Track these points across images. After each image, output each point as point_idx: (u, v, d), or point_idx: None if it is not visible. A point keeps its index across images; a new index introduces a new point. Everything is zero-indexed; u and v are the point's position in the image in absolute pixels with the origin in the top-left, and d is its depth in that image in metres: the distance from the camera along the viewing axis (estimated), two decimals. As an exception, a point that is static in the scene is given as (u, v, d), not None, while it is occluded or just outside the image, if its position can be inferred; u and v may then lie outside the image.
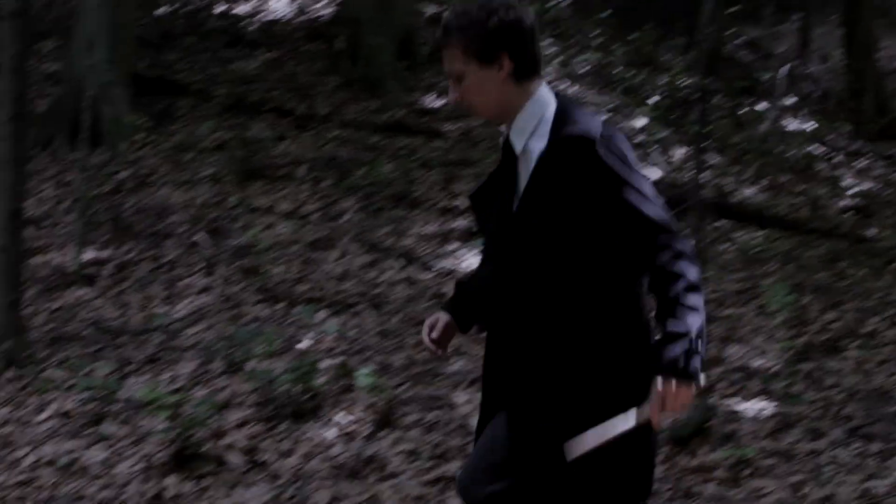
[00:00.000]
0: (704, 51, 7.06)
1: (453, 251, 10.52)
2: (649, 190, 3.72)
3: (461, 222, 11.12)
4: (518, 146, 3.81)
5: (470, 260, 10.42)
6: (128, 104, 12.95)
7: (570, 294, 3.78)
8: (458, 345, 8.68)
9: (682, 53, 20.45)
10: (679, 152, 13.78)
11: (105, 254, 10.30)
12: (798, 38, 26.69)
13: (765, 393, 7.90)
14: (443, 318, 4.07)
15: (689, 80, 18.55)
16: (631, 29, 21.26)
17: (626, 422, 3.69)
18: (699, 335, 3.59)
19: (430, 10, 17.52)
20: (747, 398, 7.80)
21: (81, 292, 9.64)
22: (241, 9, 16.48)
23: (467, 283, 4.18)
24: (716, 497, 6.60)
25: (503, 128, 3.90)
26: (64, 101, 12.84)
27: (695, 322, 3.58)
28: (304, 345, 8.48)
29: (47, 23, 15.39)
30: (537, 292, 3.80)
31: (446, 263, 10.31)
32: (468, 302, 4.09)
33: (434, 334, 4.04)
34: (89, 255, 10.19)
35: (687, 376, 3.55)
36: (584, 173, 3.67)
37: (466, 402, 7.70)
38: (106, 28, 12.78)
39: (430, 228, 10.98)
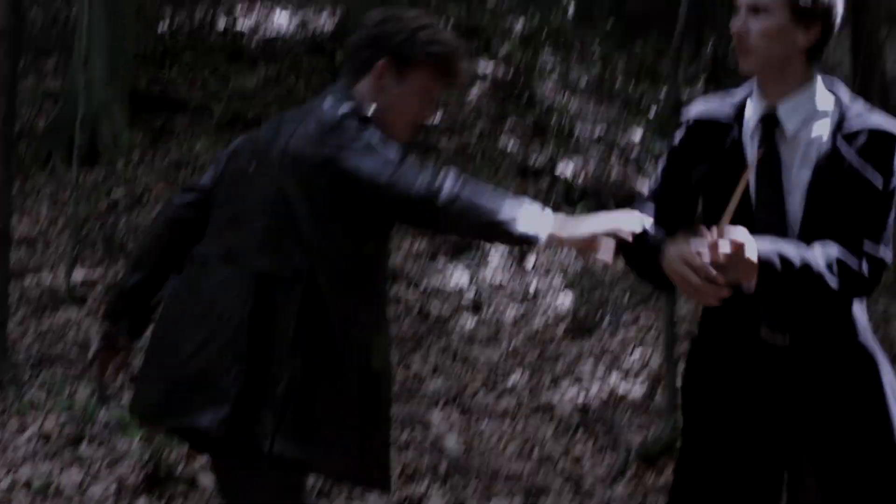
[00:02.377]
0: (673, 68, 7.01)
1: (440, 268, 10.59)
2: None
3: (450, 238, 11.18)
4: (790, 126, 3.69)
5: (458, 277, 10.50)
6: (126, 121, 13.04)
7: None
8: (436, 364, 8.81)
9: (688, 65, 20.50)
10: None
11: (96, 274, 10.39)
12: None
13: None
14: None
15: (691, 92, 18.67)
16: (635, 40, 21.34)
17: None
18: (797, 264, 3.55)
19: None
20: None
21: (70, 313, 9.72)
22: (242, 24, 16.55)
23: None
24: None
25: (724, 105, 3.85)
26: (62, 119, 12.90)
27: (805, 257, 3.56)
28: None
29: (49, 40, 15.51)
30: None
31: (433, 281, 10.39)
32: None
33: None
34: (80, 275, 10.28)
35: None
36: (882, 167, 3.63)
37: (442, 421, 7.79)
38: (104, 45, 12.86)
39: (419, 245, 11.05)
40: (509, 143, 14.15)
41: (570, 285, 10.62)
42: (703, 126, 3.88)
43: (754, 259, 3.45)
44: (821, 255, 3.57)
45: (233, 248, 3.97)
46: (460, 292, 10.24)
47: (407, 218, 3.92)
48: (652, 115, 16.64)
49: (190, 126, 13.44)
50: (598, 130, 15.12)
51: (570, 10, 20.24)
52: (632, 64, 19.46)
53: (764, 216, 3.67)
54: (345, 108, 3.91)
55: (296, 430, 3.82)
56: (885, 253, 3.67)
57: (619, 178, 13.83)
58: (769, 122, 3.71)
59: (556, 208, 11.99)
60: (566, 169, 13.73)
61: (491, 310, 9.99)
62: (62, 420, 7.78)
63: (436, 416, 7.91)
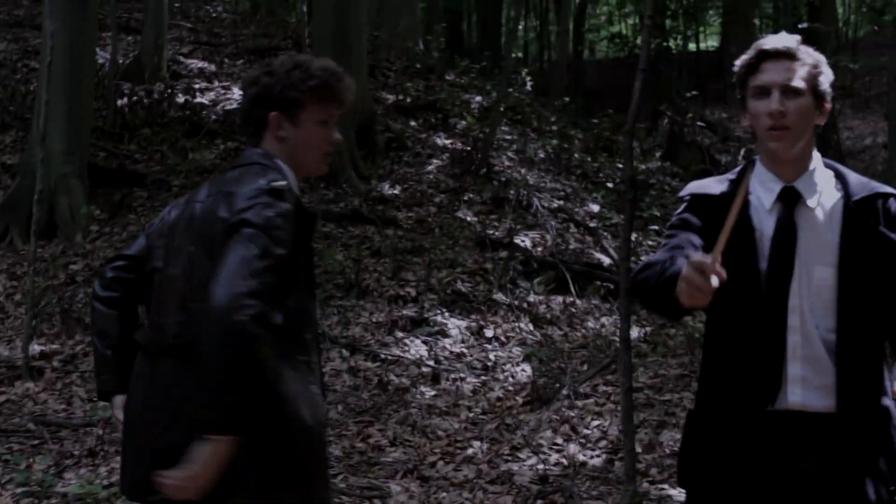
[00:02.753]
0: (628, 143, 7.07)
1: (400, 339, 10.62)
2: None
3: (409, 311, 11.23)
4: (812, 200, 3.78)
5: (417, 348, 10.54)
6: (84, 195, 13.07)
7: (875, 345, 3.80)
8: (396, 435, 8.79)
9: (644, 138, 20.73)
10: (633, 237, 13.92)
11: (54, 346, 10.36)
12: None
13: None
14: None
15: (647, 166, 18.86)
16: (592, 115, 21.56)
17: None
18: None
19: (390, 98, 17.74)
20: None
21: (28, 385, 9.68)
22: (201, 99, 16.62)
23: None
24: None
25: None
26: (20, 193, 12.92)
27: None
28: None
29: (8, 115, 15.53)
30: (865, 344, 3.76)
31: (392, 352, 10.41)
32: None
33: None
34: (38, 347, 10.25)
35: None
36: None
37: (401, 491, 7.76)
38: (62, 120, 12.94)
39: (378, 317, 11.09)
40: (468, 216, 14.24)
41: (528, 356, 10.67)
42: (703, 201, 3.93)
43: None
44: None
45: (183, 332, 3.97)
46: (419, 363, 10.26)
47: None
48: (609, 187, 16.79)
49: (149, 200, 13.48)
50: (556, 203, 15.22)
51: (528, 85, 20.41)
52: (589, 138, 19.63)
53: (772, 286, 3.74)
54: (261, 182, 3.90)
55: (260, 488, 3.87)
56: None
57: (577, 249, 13.92)
58: (790, 195, 3.80)
59: (514, 279, 12.10)
60: (524, 240, 13.82)
61: (450, 380, 10.01)
62: (19, 493, 7.71)
63: (395, 487, 7.88)
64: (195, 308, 3.89)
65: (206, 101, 16.60)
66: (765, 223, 3.80)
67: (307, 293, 4.10)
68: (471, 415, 9.30)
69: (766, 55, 3.79)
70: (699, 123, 21.39)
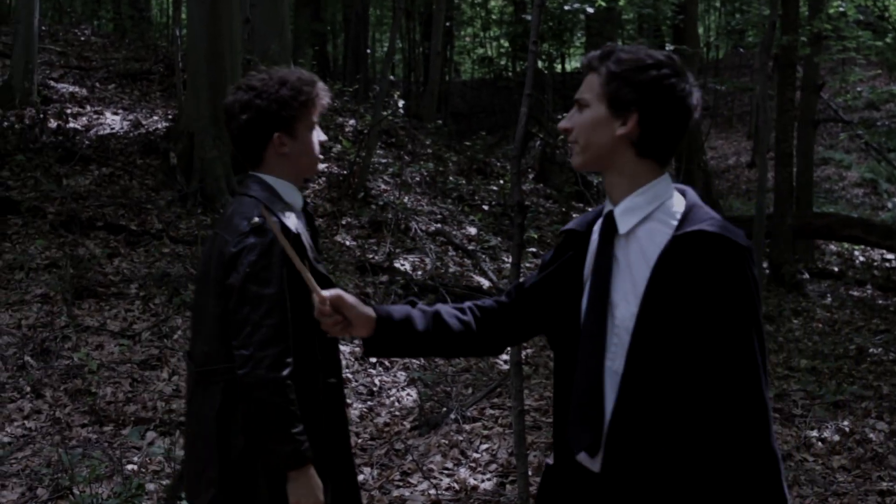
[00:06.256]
0: (515, 169, 7.13)
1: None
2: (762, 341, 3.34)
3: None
4: (624, 226, 3.41)
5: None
6: (-43, 224, 12.86)
7: (686, 416, 3.31)
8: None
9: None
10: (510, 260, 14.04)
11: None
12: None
13: None
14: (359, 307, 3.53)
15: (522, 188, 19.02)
16: (463, 137, 21.68)
17: None
18: None
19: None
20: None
21: None
22: (74, 124, 16.41)
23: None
24: None
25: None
26: None
27: None
28: (131, 467, 8.43)
29: None
30: (664, 408, 3.29)
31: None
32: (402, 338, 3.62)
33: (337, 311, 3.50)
34: None
35: None
36: (726, 281, 3.24)
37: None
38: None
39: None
40: (347, 240, 14.24)
41: (413, 380, 10.70)
42: (568, 235, 3.72)
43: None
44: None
45: (206, 361, 4.34)
46: (305, 390, 10.22)
47: None
48: (486, 210, 16.91)
49: (24, 227, 13.26)
50: (434, 226, 15.30)
51: (401, 108, 20.49)
52: (462, 160, 19.75)
53: (589, 319, 3.45)
54: (244, 223, 4.18)
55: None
56: None
57: (457, 272, 14.00)
58: (608, 221, 3.48)
59: (395, 303, 12.12)
60: (404, 264, 13.86)
61: (337, 406, 9.99)
62: None
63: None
64: (212, 342, 4.28)
65: (79, 127, 16.38)
66: (591, 254, 3.59)
67: (306, 320, 4.19)
68: (359, 440, 9.30)
69: (583, 71, 3.57)
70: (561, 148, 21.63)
